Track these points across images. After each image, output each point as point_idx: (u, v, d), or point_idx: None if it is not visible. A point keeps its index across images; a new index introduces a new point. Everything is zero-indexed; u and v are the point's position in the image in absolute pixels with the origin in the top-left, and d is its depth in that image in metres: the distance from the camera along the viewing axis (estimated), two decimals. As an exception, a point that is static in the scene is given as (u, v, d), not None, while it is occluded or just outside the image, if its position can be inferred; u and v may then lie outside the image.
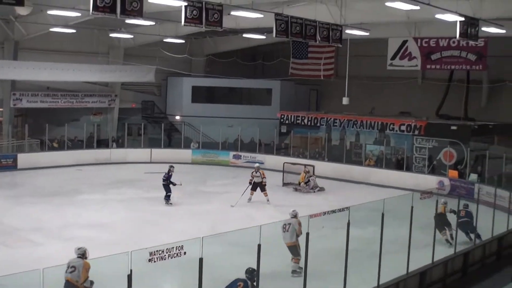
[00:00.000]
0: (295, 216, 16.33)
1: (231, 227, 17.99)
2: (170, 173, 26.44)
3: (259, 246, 11.12)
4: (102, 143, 39.79)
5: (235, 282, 12.51)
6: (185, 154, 38.37)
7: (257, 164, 29.80)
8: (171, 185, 26.23)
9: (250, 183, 27.41)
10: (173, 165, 27.65)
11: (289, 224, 16.08)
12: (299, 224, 15.78)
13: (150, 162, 37.25)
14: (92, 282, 12.38)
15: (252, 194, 27.26)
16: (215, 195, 28.79)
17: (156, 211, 24.65)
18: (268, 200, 27.21)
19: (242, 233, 11.79)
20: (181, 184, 26.25)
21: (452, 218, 19.67)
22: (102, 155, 37.29)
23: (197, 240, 9.83)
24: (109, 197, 27.18)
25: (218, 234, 12.89)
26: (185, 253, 9.61)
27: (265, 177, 27.68)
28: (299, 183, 30.65)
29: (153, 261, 9.21)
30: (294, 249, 15.98)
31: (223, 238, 12.88)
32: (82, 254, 12.44)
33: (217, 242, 12.43)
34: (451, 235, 19.37)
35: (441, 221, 19.41)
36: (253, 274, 12.31)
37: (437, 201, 18.09)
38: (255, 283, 12.15)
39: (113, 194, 27.90)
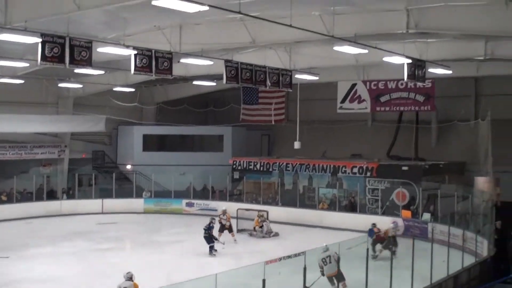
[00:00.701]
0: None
1: (186, 276, 17.73)
2: (212, 225, 26.30)
3: (215, 294, 10.95)
4: (52, 195, 39.14)
5: None
6: (137, 203, 37.96)
7: (224, 208, 30.13)
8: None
9: (220, 223, 28.25)
10: (215, 217, 27.81)
11: None
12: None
13: (102, 213, 36.74)
14: None
15: (219, 236, 27.60)
16: (169, 244, 28.41)
17: (109, 263, 24.13)
18: (235, 240, 28.00)
19: (197, 283, 11.60)
20: (223, 244, 26.25)
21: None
22: (53, 207, 36.60)
23: (152, 291, 9.63)
24: (60, 250, 26.62)
25: (173, 284, 12.63)
26: (140, 304, 9.39)
27: (229, 220, 28.50)
28: (254, 228, 30.46)
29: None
30: None
31: (179, 288, 12.68)
32: (130, 277, 14.35)
33: (173, 293, 12.20)
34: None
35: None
36: None
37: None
38: None
39: (65, 246, 27.34)
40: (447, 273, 19.96)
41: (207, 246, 26.69)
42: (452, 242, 22.89)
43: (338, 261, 16.49)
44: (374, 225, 25.60)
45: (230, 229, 28.52)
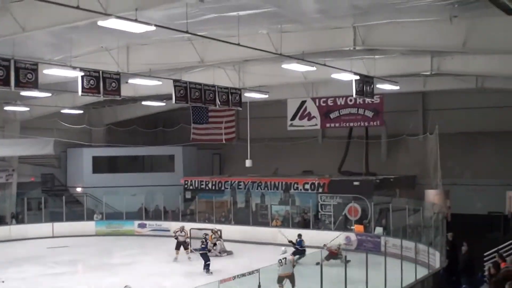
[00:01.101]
0: None
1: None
2: (207, 241, 26.67)
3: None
4: (1, 220, 38.41)
5: None
6: (88, 226, 37.45)
7: (182, 224, 30.69)
8: (208, 253, 26.51)
9: (176, 238, 28.91)
10: (207, 232, 28.47)
11: None
12: None
13: (52, 237, 36.12)
14: None
15: (177, 253, 28.34)
16: (122, 266, 28.07)
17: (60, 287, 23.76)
18: (189, 258, 28.46)
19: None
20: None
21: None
22: (1, 232, 35.83)
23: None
24: (9, 276, 26.02)
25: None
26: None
27: (187, 237, 29.21)
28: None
29: None
30: None
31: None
32: None
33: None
34: None
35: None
36: None
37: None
38: None
39: (14, 272, 26.75)
40: (401, 285, 20.08)
41: (159, 267, 26.53)
42: (405, 255, 23.03)
43: (293, 264, 17.12)
44: (324, 245, 26.06)
45: (186, 246, 28.85)
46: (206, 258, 25.86)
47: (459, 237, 25.05)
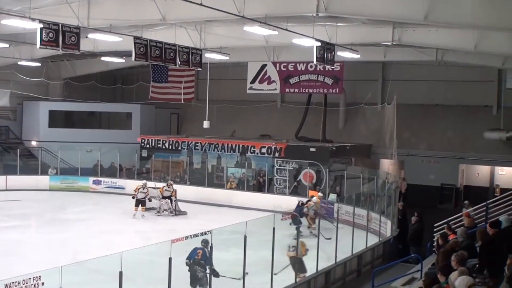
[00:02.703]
0: None
1: (92, 255, 17.52)
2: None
3: (120, 273, 10.84)
4: (-48, 172, 37.96)
5: (195, 250, 14.81)
6: (42, 180, 37.13)
7: (144, 181, 30.83)
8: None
9: (133, 197, 29.17)
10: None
11: None
12: None
13: (6, 190, 35.75)
14: None
15: (136, 210, 28.75)
16: (75, 222, 27.96)
17: (12, 241, 23.55)
18: (143, 216, 29.04)
19: (103, 261, 11.46)
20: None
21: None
22: (-47, 183, 35.50)
23: (56, 269, 9.45)
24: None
25: (78, 262, 12.48)
26: (43, 283, 9.20)
27: (149, 194, 29.48)
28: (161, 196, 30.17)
29: (9, 294, 8.76)
30: None
31: (84, 266, 12.51)
32: None
33: (78, 271, 12.01)
34: None
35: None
36: (207, 242, 14.44)
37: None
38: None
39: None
40: (352, 252, 20.40)
41: (114, 224, 26.53)
42: (357, 222, 23.41)
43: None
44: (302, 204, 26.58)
45: (143, 204, 29.52)
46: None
47: (411, 207, 25.46)
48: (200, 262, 15.00)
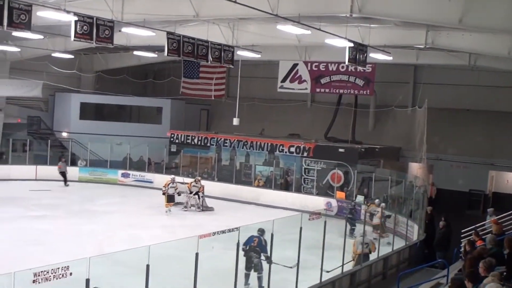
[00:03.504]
0: None
1: (118, 247, 17.66)
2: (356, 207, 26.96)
3: (147, 266, 10.91)
4: (-16, 159, 38.40)
5: (251, 237, 16.12)
6: (71, 171, 37.43)
7: (172, 176, 30.88)
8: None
9: (163, 194, 29.31)
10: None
11: None
12: None
13: (36, 179, 36.13)
14: None
15: (169, 206, 29.21)
16: (102, 214, 28.18)
17: (41, 230, 23.81)
18: (169, 211, 29.23)
19: (130, 254, 11.54)
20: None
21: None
22: (-15, 171, 35.90)
23: (84, 260, 9.54)
24: (-9, 214, 26.13)
25: (105, 254, 12.58)
26: (71, 273, 9.28)
27: (177, 188, 29.77)
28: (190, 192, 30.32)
29: (37, 282, 8.84)
30: None
31: (111, 258, 12.60)
32: None
33: (104, 263, 12.14)
34: None
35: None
36: (263, 231, 16.08)
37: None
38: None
39: (-4, 211, 26.85)
40: (378, 255, 20.32)
41: (140, 218, 26.69)
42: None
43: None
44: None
45: (173, 200, 29.57)
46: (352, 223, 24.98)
47: (439, 212, 25.30)
48: (256, 249, 16.27)
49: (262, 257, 16.25)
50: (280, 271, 16.17)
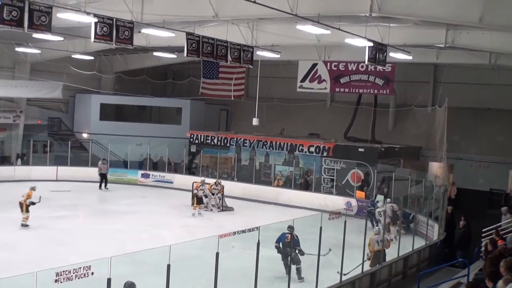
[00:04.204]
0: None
1: (140, 247, 17.73)
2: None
3: (168, 266, 10.96)
4: (6, 160, 38.63)
5: (284, 234, 17.40)
6: (92, 172, 37.57)
7: (202, 178, 31.18)
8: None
9: (194, 196, 29.35)
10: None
11: None
12: None
13: (56, 180, 36.36)
14: None
15: (198, 208, 29.10)
16: (123, 214, 28.33)
17: (62, 230, 24.01)
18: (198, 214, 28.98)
19: (151, 253, 11.60)
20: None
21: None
22: (6, 172, 36.08)
23: (105, 260, 9.61)
24: (12, 215, 26.24)
25: (126, 254, 12.64)
26: (92, 273, 9.35)
27: (205, 191, 29.70)
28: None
29: (59, 282, 8.91)
30: None
31: (132, 258, 12.67)
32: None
33: (126, 262, 12.20)
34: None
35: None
36: (293, 228, 17.23)
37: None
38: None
39: (17, 212, 26.89)
40: (398, 254, 20.28)
41: (161, 218, 26.79)
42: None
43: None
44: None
45: (201, 201, 29.42)
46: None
47: (459, 212, 25.20)
48: (290, 244, 17.27)
49: (296, 251, 17.35)
50: (303, 271, 16.19)
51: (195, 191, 29.49)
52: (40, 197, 24.88)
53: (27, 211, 24.47)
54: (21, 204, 24.61)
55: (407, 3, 20.47)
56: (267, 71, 38.11)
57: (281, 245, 17.65)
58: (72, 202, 30.63)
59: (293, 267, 17.26)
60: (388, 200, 26.72)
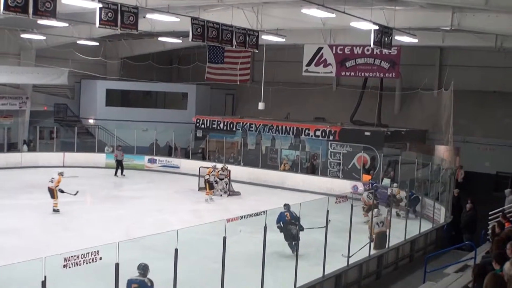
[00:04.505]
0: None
1: (146, 232, 17.83)
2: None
3: (176, 250, 11.00)
4: (13, 147, 38.73)
5: (282, 213, 18.18)
6: (99, 158, 37.78)
7: (214, 163, 31.42)
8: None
9: (206, 181, 29.17)
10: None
11: None
12: None
13: (63, 166, 36.36)
14: None
15: (210, 193, 28.99)
16: (130, 199, 28.40)
17: (70, 216, 24.10)
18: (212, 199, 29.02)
19: (158, 238, 11.65)
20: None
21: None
22: (13, 159, 36.27)
23: (113, 245, 9.65)
24: (20, 202, 26.41)
25: (134, 239, 12.70)
26: (100, 258, 9.39)
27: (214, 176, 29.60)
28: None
29: (68, 267, 8.96)
30: None
31: (140, 243, 12.73)
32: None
33: (133, 247, 12.24)
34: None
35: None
36: (289, 205, 18.12)
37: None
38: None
39: (25, 199, 27.11)
40: (404, 237, 20.32)
41: (168, 203, 26.85)
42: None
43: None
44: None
45: (212, 187, 29.22)
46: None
47: (465, 195, 25.20)
48: (292, 221, 17.90)
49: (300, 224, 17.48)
50: (309, 256, 16.24)
51: (206, 177, 29.43)
52: (77, 191, 25.27)
53: (57, 196, 24.80)
54: (50, 190, 24.87)
55: (412, -15, 20.40)
56: (273, 56, 38.04)
57: (281, 224, 18.19)
58: (79, 188, 30.51)
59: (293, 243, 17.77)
60: (391, 183, 26.89)
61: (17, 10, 16.45)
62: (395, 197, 25.39)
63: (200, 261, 16.11)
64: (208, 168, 30.42)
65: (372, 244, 18.72)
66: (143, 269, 11.76)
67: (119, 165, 35.18)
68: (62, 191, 24.81)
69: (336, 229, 17.76)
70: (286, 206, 18.36)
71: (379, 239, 19.11)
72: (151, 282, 11.75)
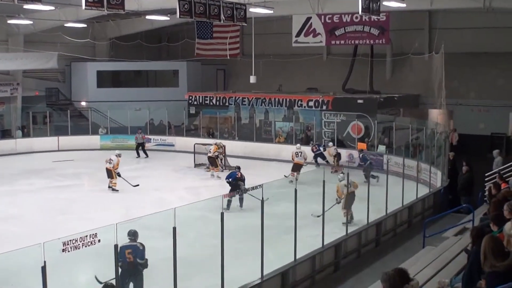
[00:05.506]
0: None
1: (144, 211, 17.84)
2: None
3: (174, 229, 11.02)
4: (7, 134, 38.64)
5: (234, 172, 22.77)
6: (93, 140, 37.73)
7: (217, 141, 31.21)
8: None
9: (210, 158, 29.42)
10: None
11: None
12: None
13: (58, 150, 36.40)
14: None
15: (215, 170, 29.14)
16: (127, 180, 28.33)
17: (67, 200, 24.08)
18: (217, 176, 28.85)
19: (156, 217, 11.66)
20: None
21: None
22: (7, 145, 36.15)
23: (111, 226, 9.66)
24: (17, 188, 26.40)
25: (132, 219, 12.68)
26: (99, 240, 9.39)
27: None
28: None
29: (67, 251, 8.95)
30: None
31: (137, 223, 12.74)
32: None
33: (132, 227, 12.27)
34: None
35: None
36: (239, 167, 23.38)
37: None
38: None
39: (22, 185, 27.09)
40: (402, 203, 20.38)
41: (164, 181, 26.88)
42: (407, 173, 23.27)
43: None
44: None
45: (215, 164, 29.37)
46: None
47: (461, 157, 25.24)
48: (242, 178, 22.05)
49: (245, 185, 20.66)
50: (308, 226, 16.28)
51: (209, 154, 29.36)
52: (138, 185, 25.53)
53: (116, 177, 25.45)
54: (108, 170, 25.52)
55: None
56: (261, 28, 37.85)
57: (231, 180, 22.02)
58: (75, 171, 30.66)
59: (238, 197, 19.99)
60: (331, 144, 30.15)
61: (2, -4, 16.33)
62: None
63: (199, 238, 16.17)
64: (205, 145, 30.45)
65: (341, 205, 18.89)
66: (133, 234, 12.19)
67: (140, 146, 35.23)
68: (119, 175, 25.45)
69: (334, 199, 17.84)
70: (237, 168, 23.58)
71: (348, 200, 18.96)
72: (143, 245, 12.05)
